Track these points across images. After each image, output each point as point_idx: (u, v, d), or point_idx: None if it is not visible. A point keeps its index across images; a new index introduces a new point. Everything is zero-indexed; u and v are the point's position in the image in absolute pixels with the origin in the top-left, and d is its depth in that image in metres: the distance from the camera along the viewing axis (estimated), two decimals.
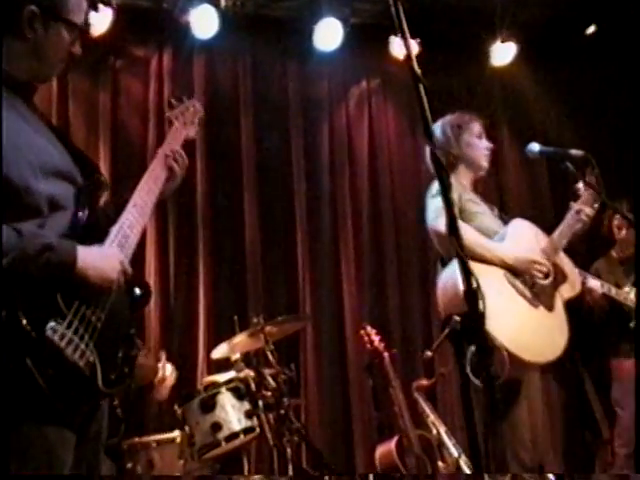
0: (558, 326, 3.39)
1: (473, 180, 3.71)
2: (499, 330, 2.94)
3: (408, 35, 1.91)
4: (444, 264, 3.44)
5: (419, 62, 5.99)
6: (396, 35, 5.60)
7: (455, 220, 1.78)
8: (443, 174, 1.79)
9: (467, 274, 1.73)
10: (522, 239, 3.49)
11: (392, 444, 4.54)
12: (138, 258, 5.14)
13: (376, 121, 5.89)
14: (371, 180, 5.77)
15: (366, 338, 4.71)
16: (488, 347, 1.71)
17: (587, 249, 5.77)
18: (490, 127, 6.14)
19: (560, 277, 3.49)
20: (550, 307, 3.38)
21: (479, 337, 1.71)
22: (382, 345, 4.70)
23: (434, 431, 4.75)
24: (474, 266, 3.26)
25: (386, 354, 4.66)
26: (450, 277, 3.26)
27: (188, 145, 5.40)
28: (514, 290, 3.31)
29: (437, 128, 3.63)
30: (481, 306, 1.72)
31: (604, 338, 5.21)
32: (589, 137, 5.94)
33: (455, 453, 4.50)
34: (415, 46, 5.61)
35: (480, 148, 3.67)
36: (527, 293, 3.33)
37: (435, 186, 3.53)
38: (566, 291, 3.51)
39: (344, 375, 5.37)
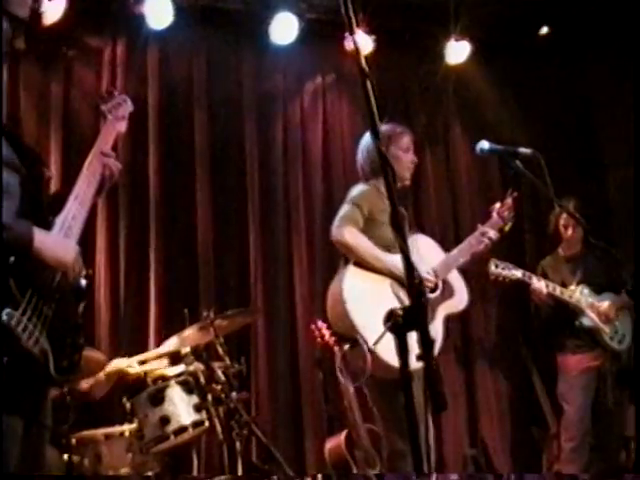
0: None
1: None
2: (372, 335, 3.18)
3: (356, 31, 1.92)
4: (346, 262, 3.66)
5: (374, 59, 6.05)
6: None
7: (397, 214, 1.79)
8: (388, 169, 1.81)
9: (410, 269, 1.75)
10: (418, 253, 3.62)
11: (341, 438, 4.59)
12: (88, 250, 5.12)
13: (330, 117, 5.89)
14: (325, 176, 5.77)
15: (317, 332, 4.73)
16: (429, 340, 1.74)
17: (535, 247, 5.89)
18: (443, 125, 6.30)
19: (447, 293, 3.73)
20: (429, 320, 3.53)
21: (421, 329, 1.74)
22: (333, 339, 4.72)
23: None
24: (362, 273, 3.53)
25: (336, 348, 4.69)
26: (338, 281, 3.58)
27: (141, 137, 5.39)
28: (396, 300, 3.48)
29: (367, 136, 3.82)
30: (423, 299, 1.76)
31: (551, 334, 5.31)
32: (540, 136, 6.04)
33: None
34: (370, 43, 5.65)
35: (405, 162, 3.87)
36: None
37: (352, 192, 3.76)
38: (449, 307, 3.75)
39: (295, 369, 5.38)
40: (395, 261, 3.49)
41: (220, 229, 5.39)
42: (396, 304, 3.39)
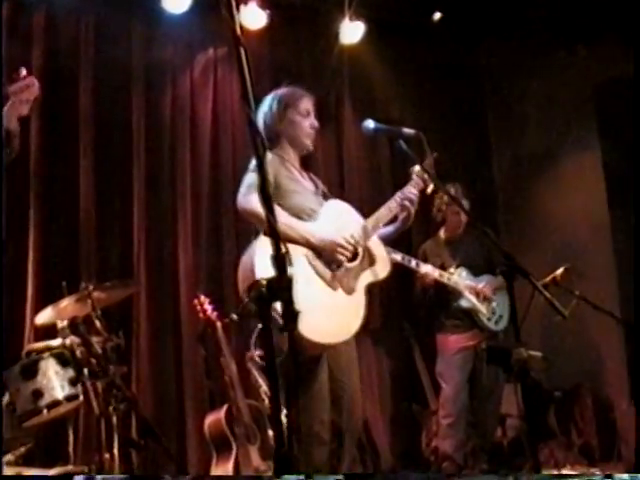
0: (354, 309, 3.39)
1: (299, 156, 3.67)
2: None
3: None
4: (257, 233, 3.38)
5: (267, 34, 5.96)
6: (246, 4, 5.56)
7: (266, 184, 1.78)
8: (257, 139, 1.79)
9: (276, 239, 1.74)
10: (334, 220, 3.47)
11: (221, 413, 4.58)
12: None
13: (221, 90, 5.80)
14: (213, 149, 5.70)
15: (199, 307, 4.70)
16: (294, 312, 1.73)
17: (420, 230, 5.99)
18: (335, 104, 6.33)
19: (368, 261, 3.49)
20: (350, 290, 3.38)
21: (286, 301, 1.73)
22: (215, 314, 4.70)
23: (266, 401, 4.82)
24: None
25: (219, 324, 4.67)
26: (250, 253, 3.26)
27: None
28: (313, 271, 3.29)
29: (266, 101, 3.60)
30: (289, 271, 1.75)
31: (432, 314, 5.43)
32: (429, 117, 6.15)
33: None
34: (263, 18, 5.62)
35: (304, 127, 3.61)
36: (327, 275, 3.32)
37: (254, 161, 3.49)
38: (371, 275, 3.50)
39: (177, 343, 5.31)
40: (310, 229, 3.34)
41: (103, 199, 5.24)
42: (313, 276, 3.27)
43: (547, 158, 6.61)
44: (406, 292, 5.85)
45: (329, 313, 3.26)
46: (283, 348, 1.85)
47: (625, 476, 3.51)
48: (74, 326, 4.10)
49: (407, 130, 3.54)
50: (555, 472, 5.06)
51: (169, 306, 5.37)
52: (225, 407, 4.60)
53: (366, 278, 3.46)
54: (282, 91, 3.64)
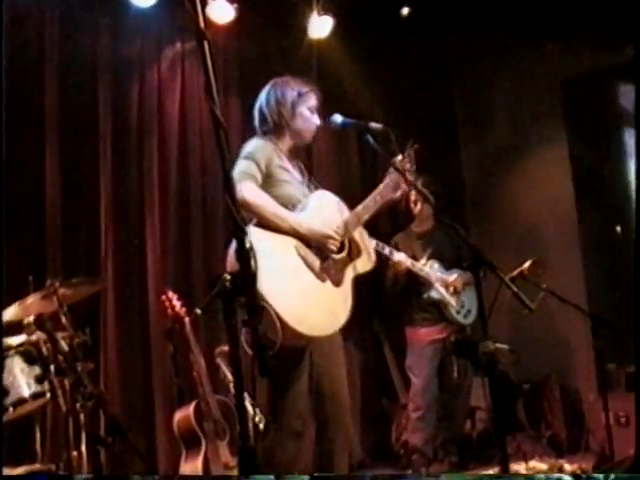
0: (342, 302, 3.41)
1: (291, 147, 3.67)
2: (277, 300, 2.98)
3: None
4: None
5: (235, 29, 5.92)
6: None
7: (229, 180, 1.77)
8: (221, 131, 1.79)
9: (240, 233, 1.74)
10: (323, 211, 3.48)
11: (190, 409, 4.56)
12: None
13: (188, 84, 5.73)
14: (180, 145, 5.64)
15: (167, 303, 4.67)
16: (258, 306, 1.73)
17: (389, 223, 6.01)
18: None
19: (355, 252, 3.52)
20: (338, 282, 3.39)
21: (249, 296, 1.72)
22: (183, 310, 4.67)
23: None
24: (265, 234, 3.32)
25: (187, 319, 4.65)
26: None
27: None
28: (302, 262, 3.30)
29: (276, 88, 3.60)
30: (253, 265, 1.74)
31: (402, 307, 5.45)
32: (397, 112, 6.16)
33: (256, 418, 4.57)
34: (231, 12, 5.59)
35: (311, 123, 3.65)
36: (316, 266, 3.33)
37: (246, 147, 3.47)
38: (357, 267, 3.52)
39: (145, 340, 5.26)
40: (301, 219, 3.34)
41: (70, 195, 5.14)
42: (302, 267, 3.28)
43: (514, 152, 6.66)
44: (376, 286, 5.86)
45: (316, 305, 3.27)
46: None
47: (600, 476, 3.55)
48: (40, 323, 4.06)
49: (375, 125, 3.56)
50: (523, 464, 5.10)
51: (137, 302, 5.31)
52: (194, 403, 4.58)
53: (353, 270, 3.49)
54: (293, 81, 3.65)
